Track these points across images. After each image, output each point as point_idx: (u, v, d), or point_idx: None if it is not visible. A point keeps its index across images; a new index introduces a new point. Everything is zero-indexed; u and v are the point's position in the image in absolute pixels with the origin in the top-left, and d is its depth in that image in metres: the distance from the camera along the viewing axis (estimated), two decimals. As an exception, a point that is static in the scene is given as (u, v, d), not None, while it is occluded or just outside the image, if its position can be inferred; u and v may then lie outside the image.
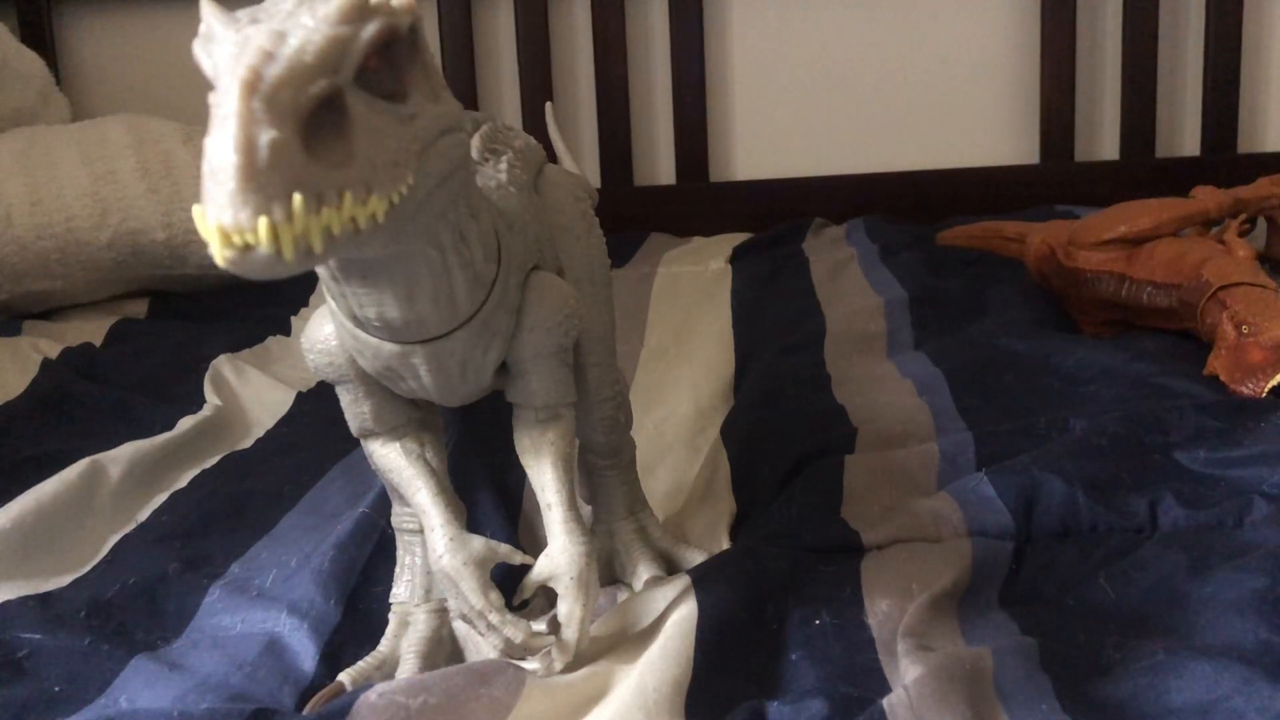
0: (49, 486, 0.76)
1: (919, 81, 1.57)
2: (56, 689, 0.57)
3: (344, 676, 0.58)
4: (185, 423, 0.90)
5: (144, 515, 0.78)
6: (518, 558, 0.53)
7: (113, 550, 0.73)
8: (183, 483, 0.82)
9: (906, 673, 0.49)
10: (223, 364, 1.03)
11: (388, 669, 0.59)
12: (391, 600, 0.62)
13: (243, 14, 0.39)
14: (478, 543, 0.52)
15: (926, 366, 0.92)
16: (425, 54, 0.44)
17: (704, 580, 0.58)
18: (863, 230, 1.41)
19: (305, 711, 0.55)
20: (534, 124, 1.56)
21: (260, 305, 1.27)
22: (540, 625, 0.53)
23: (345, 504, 0.77)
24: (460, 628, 0.60)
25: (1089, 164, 1.55)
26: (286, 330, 1.19)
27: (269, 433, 0.92)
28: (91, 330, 1.20)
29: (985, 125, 1.58)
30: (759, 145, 1.60)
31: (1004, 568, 0.61)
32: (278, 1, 0.40)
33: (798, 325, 1.08)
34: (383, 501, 0.75)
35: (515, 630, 0.51)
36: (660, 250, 1.43)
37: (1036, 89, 1.54)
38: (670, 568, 0.65)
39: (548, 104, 0.94)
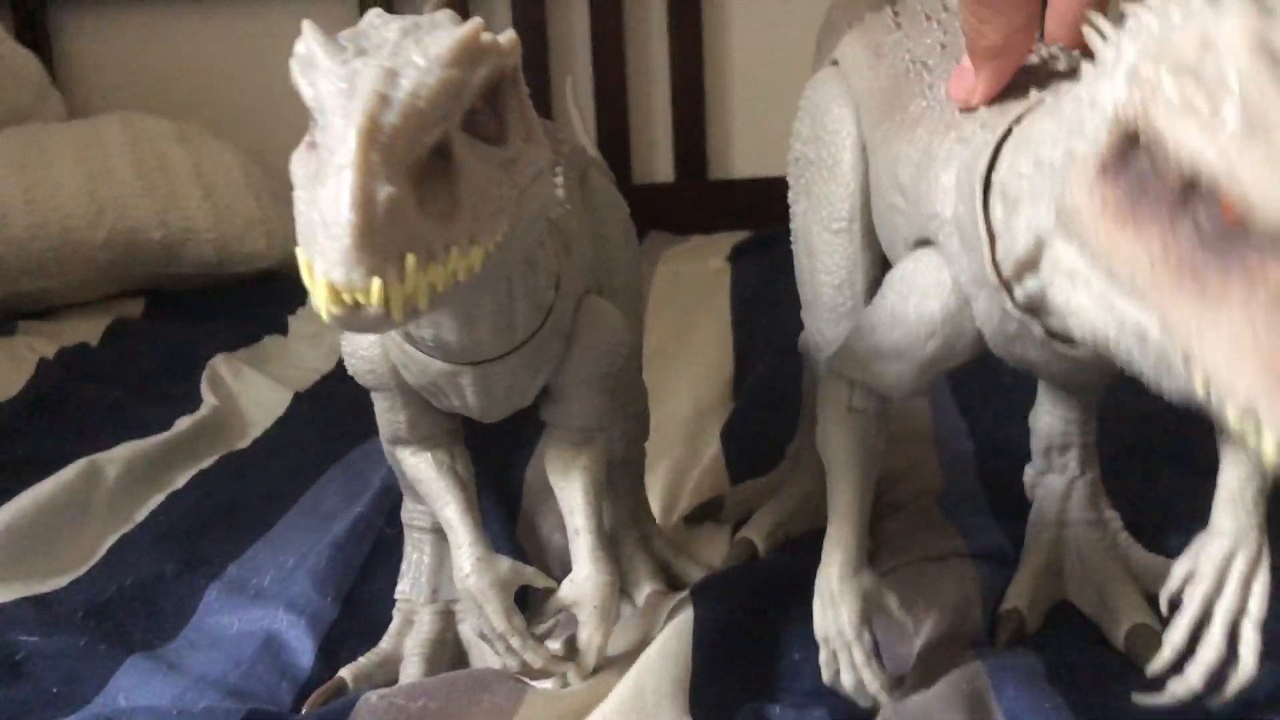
0: (46, 487, 0.75)
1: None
2: (54, 690, 0.57)
3: (345, 673, 0.58)
4: (182, 423, 0.89)
5: (141, 515, 0.77)
6: (541, 581, 0.53)
7: (110, 551, 0.73)
8: (180, 483, 0.82)
9: (905, 687, 0.49)
10: (220, 364, 1.02)
11: (390, 667, 0.59)
12: (397, 596, 0.62)
13: (346, 40, 0.38)
14: (504, 564, 0.52)
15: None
16: (524, 93, 0.42)
17: (703, 588, 0.57)
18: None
19: (305, 708, 0.55)
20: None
21: (257, 304, 1.27)
22: (555, 645, 0.53)
23: (343, 504, 0.77)
24: (467, 632, 0.59)
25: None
26: (284, 330, 1.19)
27: (266, 433, 0.91)
28: (88, 329, 1.19)
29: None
30: (759, 141, 1.59)
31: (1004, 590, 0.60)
32: (379, 25, 0.39)
33: (798, 325, 1.08)
34: (380, 501, 0.74)
35: (535, 656, 0.51)
36: (659, 249, 1.42)
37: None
38: (671, 579, 0.65)
39: (568, 78, 0.93)
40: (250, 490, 0.80)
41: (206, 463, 0.85)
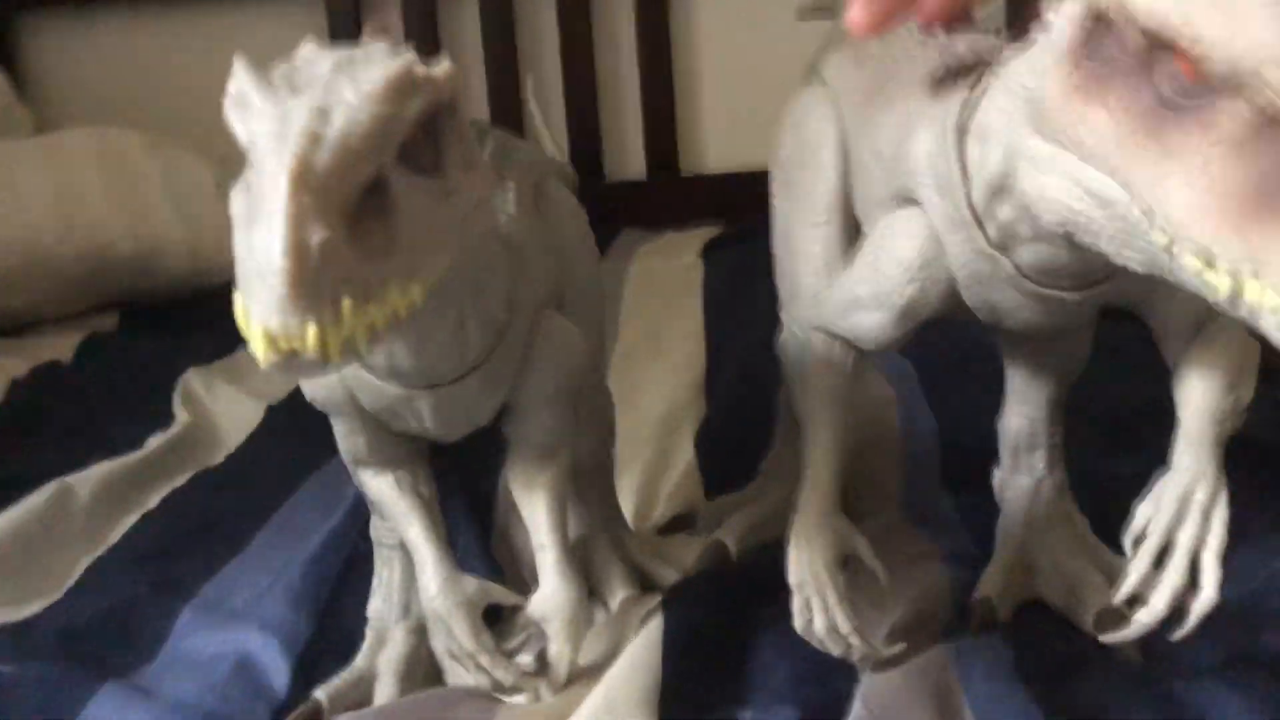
0: (17, 511, 0.76)
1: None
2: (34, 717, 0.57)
3: (320, 694, 0.58)
4: (154, 441, 0.89)
5: (115, 537, 0.77)
6: (510, 599, 0.54)
7: (85, 574, 0.73)
8: (153, 503, 0.82)
9: (872, 680, 0.50)
10: (192, 379, 1.02)
11: (365, 686, 0.59)
12: (369, 614, 0.62)
13: (279, 77, 0.37)
14: (471, 584, 0.52)
15: (895, 358, 0.92)
16: (463, 121, 0.42)
17: (674, 594, 0.58)
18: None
19: (280, 731, 0.55)
20: (500, 122, 1.55)
21: (232, 315, 1.26)
22: (526, 658, 0.53)
23: (318, 519, 0.77)
24: (439, 648, 0.60)
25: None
26: (258, 341, 1.18)
27: (240, 448, 0.91)
28: (60, 346, 1.19)
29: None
30: (730, 136, 1.59)
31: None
32: (313, 60, 0.38)
33: (770, 323, 1.08)
34: (353, 514, 0.74)
35: (506, 673, 0.51)
36: (632, 246, 1.43)
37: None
38: (644, 581, 0.65)
39: (528, 76, 0.92)
40: (224, 508, 0.80)
41: (179, 481, 0.85)
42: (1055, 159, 0.38)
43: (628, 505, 0.73)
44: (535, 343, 0.52)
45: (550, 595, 0.53)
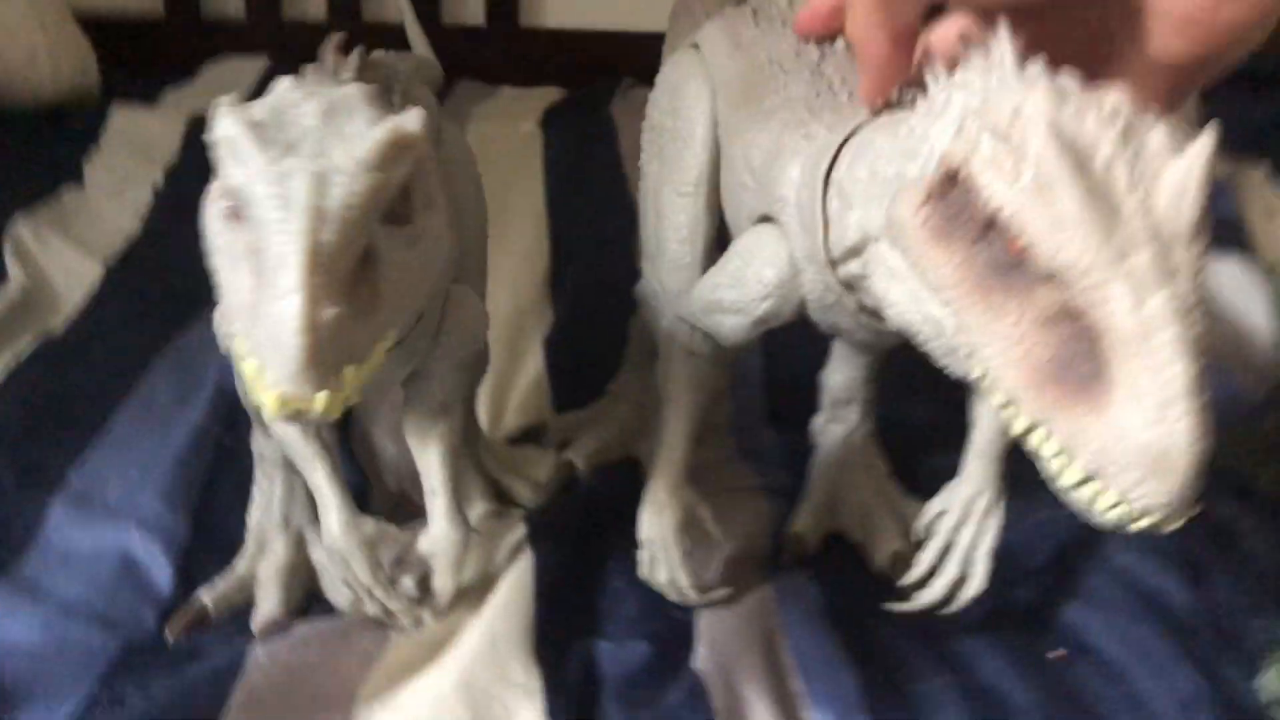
0: None
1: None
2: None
3: (204, 595, 0.63)
4: (-10, 302, 0.87)
5: (-40, 411, 0.77)
6: (402, 539, 0.59)
7: (-67, 454, 0.73)
8: (-1, 373, 0.81)
9: (710, 621, 0.59)
10: (21, 230, 0.99)
11: (245, 590, 0.64)
12: (249, 523, 0.66)
13: (266, 122, 0.40)
14: (369, 525, 0.57)
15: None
16: (427, 165, 0.44)
17: (536, 532, 0.65)
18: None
19: (169, 632, 0.60)
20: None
21: (46, 145, 1.20)
22: (409, 585, 0.59)
23: (174, 402, 0.79)
24: (319, 556, 0.65)
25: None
26: (79, 178, 1.14)
27: (81, 314, 0.90)
28: None
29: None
30: (571, -7, 1.59)
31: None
32: (297, 104, 0.40)
33: (609, 212, 1.13)
34: (215, 406, 0.77)
35: (397, 604, 0.57)
36: (468, 103, 1.42)
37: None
38: (500, 494, 0.72)
39: None
40: (76, 384, 0.81)
41: (21, 347, 0.84)
42: (905, 278, 0.43)
43: (480, 411, 0.78)
44: (445, 318, 0.56)
45: (439, 537, 0.59)
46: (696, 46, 0.67)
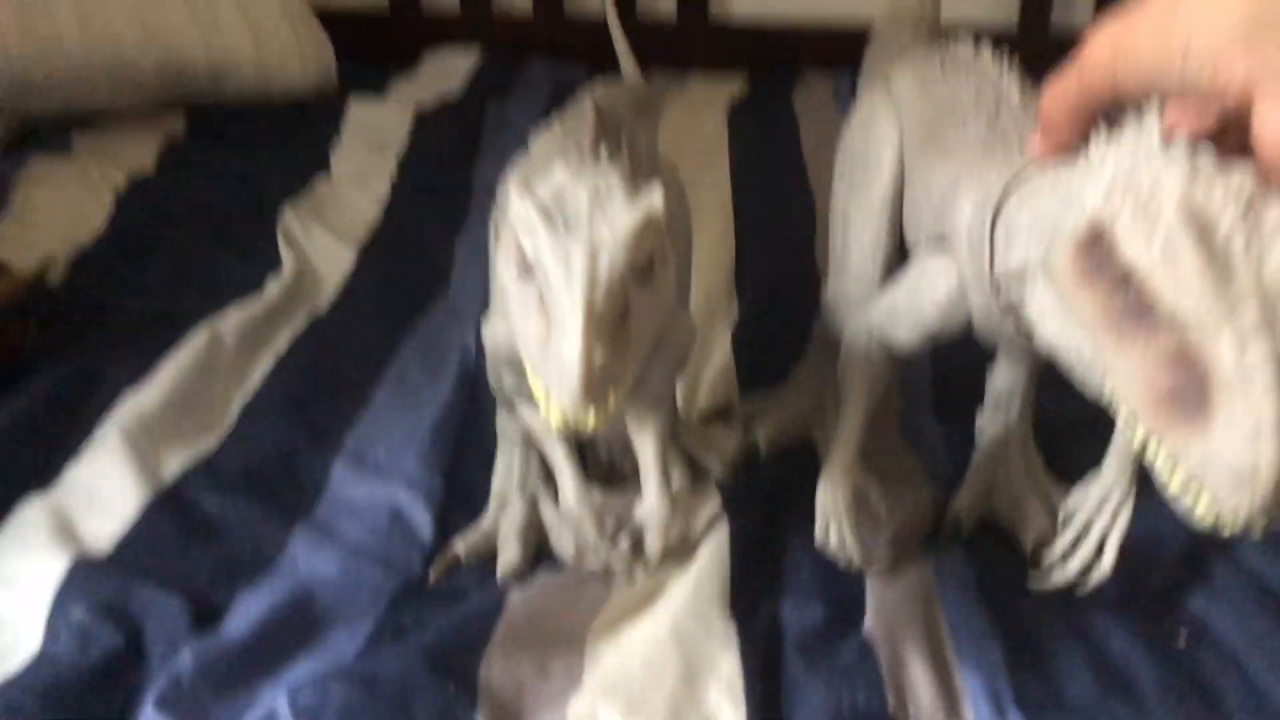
0: (181, 358, 0.91)
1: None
2: (246, 551, 0.75)
3: (458, 544, 0.77)
4: (272, 284, 1.04)
5: (257, 378, 0.93)
6: (623, 507, 0.72)
7: (242, 414, 0.89)
8: (281, 345, 0.97)
9: (877, 593, 0.70)
10: (290, 219, 1.15)
11: (490, 542, 0.77)
12: (493, 486, 0.80)
13: (551, 205, 0.53)
14: (596, 494, 0.71)
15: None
16: (664, 233, 0.55)
17: (730, 503, 0.77)
18: (847, 91, 1.52)
19: (431, 574, 0.75)
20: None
21: (296, 134, 1.37)
22: (625, 546, 0.72)
23: (425, 377, 0.94)
24: (549, 515, 0.78)
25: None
26: (328, 168, 1.30)
27: (341, 295, 1.06)
28: (140, 153, 1.29)
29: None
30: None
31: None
32: (571, 186, 0.53)
33: (791, 208, 1.23)
34: (460, 384, 0.92)
35: (617, 559, 0.71)
36: (661, 95, 1.54)
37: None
38: (693, 465, 0.84)
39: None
40: (342, 358, 0.96)
41: (298, 324, 1.00)
42: (1055, 307, 0.52)
43: (677, 395, 0.91)
44: (665, 337, 0.68)
45: (651, 508, 0.72)
46: (887, 83, 0.77)
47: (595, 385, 0.50)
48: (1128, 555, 0.70)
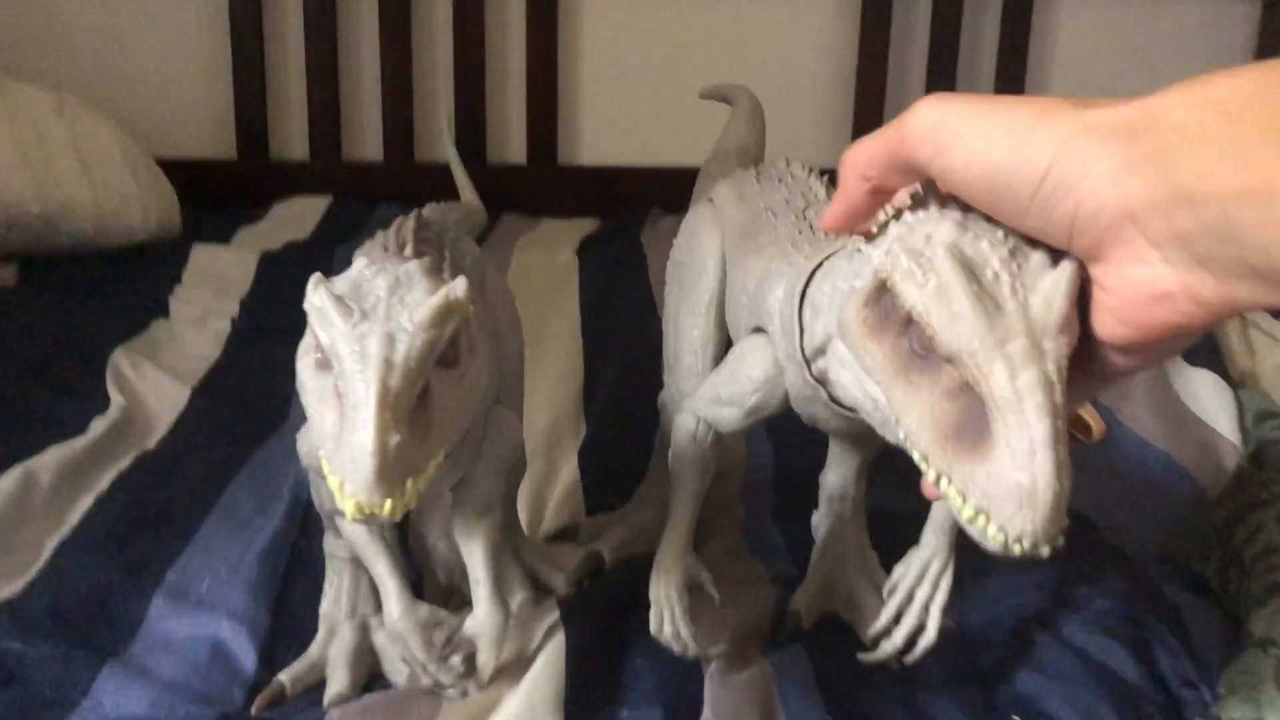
0: (-9, 495, 0.86)
1: (757, 78, 1.74)
2: (46, 693, 0.70)
3: (283, 676, 0.73)
4: (98, 424, 1.00)
5: (75, 518, 0.89)
6: (452, 621, 0.70)
7: (54, 554, 0.84)
8: (104, 485, 0.93)
9: (716, 690, 0.69)
10: (121, 359, 1.12)
11: (318, 671, 0.74)
12: (321, 612, 0.77)
13: (348, 296, 0.52)
14: (424, 610, 0.68)
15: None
16: (471, 321, 0.55)
17: (569, 614, 0.75)
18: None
19: (253, 709, 0.70)
20: (394, 102, 1.66)
21: (134, 279, 1.35)
22: (456, 660, 0.70)
23: (256, 510, 0.91)
24: (380, 640, 0.75)
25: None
26: (165, 311, 1.28)
27: (171, 431, 1.03)
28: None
29: (812, 123, 1.75)
30: (604, 132, 1.74)
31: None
32: (370, 278, 0.53)
33: (638, 334, 1.25)
34: (291, 514, 0.89)
35: (447, 675, 0.68)
36: (513, 236, 1.56)
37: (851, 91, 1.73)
38: (535, 583, 0.82)
39: (445, 115, 1.04)
40: (170, 496, 0.93)
41: (123, 463, 0.97)
42: (850, 363, 0.54)
43: (522, 513, 0.89)
44: (487, 435, 0.67)
45: (482, 619, 0.70)
46: (711, 200, 0.82)
47: (390, 472, 0.48)
48: (958, 638, 0.70)
